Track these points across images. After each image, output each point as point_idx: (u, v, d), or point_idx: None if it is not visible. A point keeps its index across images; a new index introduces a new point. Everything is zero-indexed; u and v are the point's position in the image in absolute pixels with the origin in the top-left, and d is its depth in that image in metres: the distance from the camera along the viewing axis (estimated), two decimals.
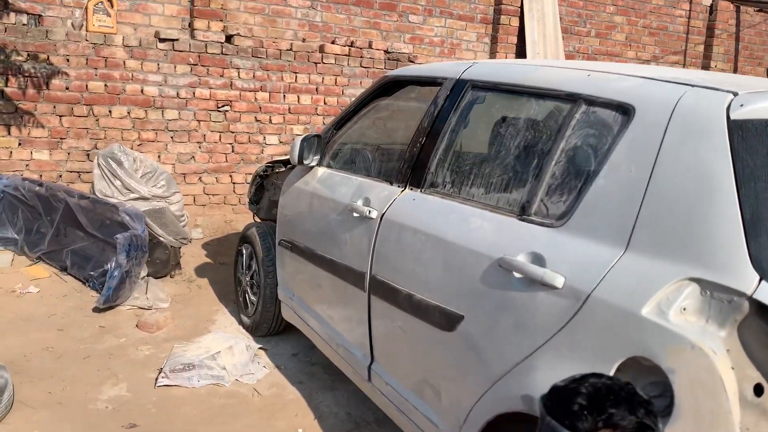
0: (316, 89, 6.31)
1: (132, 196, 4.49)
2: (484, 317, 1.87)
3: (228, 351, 3.51)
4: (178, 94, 5.65)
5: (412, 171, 2.42)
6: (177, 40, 5.56)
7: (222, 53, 5.77)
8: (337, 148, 3.15)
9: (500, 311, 1.82)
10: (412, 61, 6.78)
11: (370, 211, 2.48)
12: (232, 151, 6.01)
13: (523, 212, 1.90)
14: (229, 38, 5.82)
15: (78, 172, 5.41)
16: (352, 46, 6.44)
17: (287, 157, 3.90)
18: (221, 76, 5.81)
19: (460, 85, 2.36)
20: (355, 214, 2.60)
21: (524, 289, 1.75)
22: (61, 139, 5.31)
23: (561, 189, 1.82)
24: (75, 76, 5.26)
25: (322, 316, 2.98)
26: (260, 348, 3.67)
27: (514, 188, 2.00)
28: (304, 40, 6.32)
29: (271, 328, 3.74)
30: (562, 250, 1.72)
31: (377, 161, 2.91)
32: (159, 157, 5.68)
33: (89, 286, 4.37)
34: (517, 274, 1.78)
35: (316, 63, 6.26)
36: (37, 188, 4.67)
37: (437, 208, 2.21)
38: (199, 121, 5.79)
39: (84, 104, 5.32)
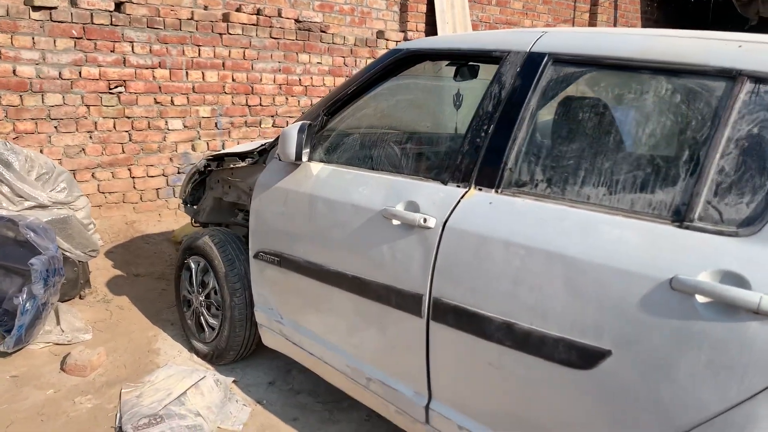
0: (223, 64, 5.53)
1: (27, 204, 3.58)
2: (649, 354, 1.49)
3: (195, 390, 2.87)
4: (60, 74, 4.64)
5: (478, 167, 1.96)
6: (55, 8, 4.53)
7: (111, 24, 4.82)
8: (337, 138, 2.60)
9: (679, 346, 1.45)
10: (324, 31, 6.19)
11: (425, 219, 1.99)
12: (130, 140, 5.10)
13: (680, 218, 1.53)
14: (118, 6, 4.86)
15: None
16: (259, 14, 5.70)
17: (240, 149, 3.26)
18: (112, 51, 4.87)
19: (533, 60, 1.93)
20: (395, 222, 2.10)
21: (721, 318, 1.39)
22: None
23: (738, 188, 1.48)
24: None
25: (337, 345, 2.45)
26: (220, 377, 3.05)
27: (657, 187, 1.62)
28: (206, 8, 5.49)
29: (239, 355, 3.12)
30: (761, 266, 1.38)
31: (410, 155, 2.39)
32: (41, 151, 4.66)
33: None
34: (702, 299, 1.42)
35: (221, 34, 5.46)
36: None
37: (536, 213, 1.77)
38: (88, 106, 4.82)
39: None
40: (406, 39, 7.03)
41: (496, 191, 1.90)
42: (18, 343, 3.06)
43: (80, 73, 4.74)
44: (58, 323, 3.45)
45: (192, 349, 3.34)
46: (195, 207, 3.63)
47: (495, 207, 1.87)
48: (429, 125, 2.59)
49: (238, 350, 3.09)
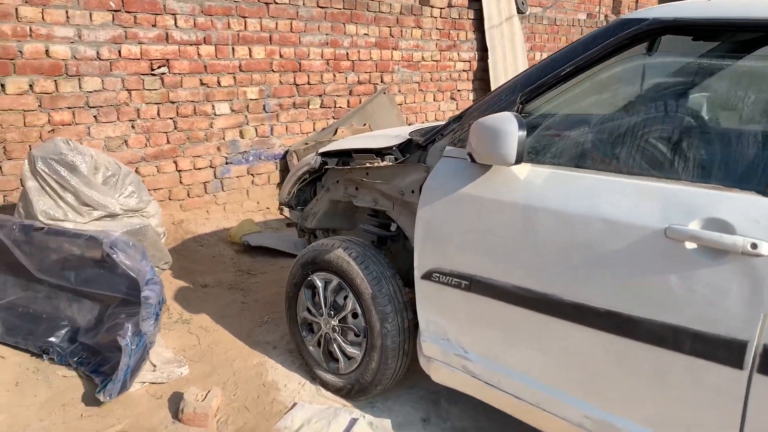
0: (270, 38, 4.90)
1: (96, 214, 2.98)
2: None
3: None
4: (98, 54, 3.98)
5: None
6: None
7: None
8: (548, 133, 2.08)
9: None
10: None
11: (754, 245, 1.52)
12: (175, 128, 4.47)
13: None
14: None
15: None
16: None
17: (369, 144, 2.72)
18: (153, 25, 4.20)
19: None
20: (689, 246, 1.62)
21: None
22: None
23: None
24: None
25: (567, 391, 1.97)
26: (375, 419, 2.57)
27: None
28: None
29: (385, 388, 2.63)
30: None
31: (693, 155, 1.89)
32: None
33: (50, 359, 2.85)
34: None
35: (267, 3, 4.82)
36: None
37: None
38: (129, 90, 4.17)
39: None
40: (450, 6, 6.45)
41: None
42: (122, 389, 2.50)
43: (120, 52, 4.08)
44: (148, 357, 2.89)
45: (316, 379, 2.83)
46: (301, 210, 3.07)
47: None
48: (711, 116, 2.08)
49: (386, 384, 2.60)
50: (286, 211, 3.07)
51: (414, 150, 2.53)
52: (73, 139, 3.98)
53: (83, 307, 2.87)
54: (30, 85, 3.72)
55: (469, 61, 6.82)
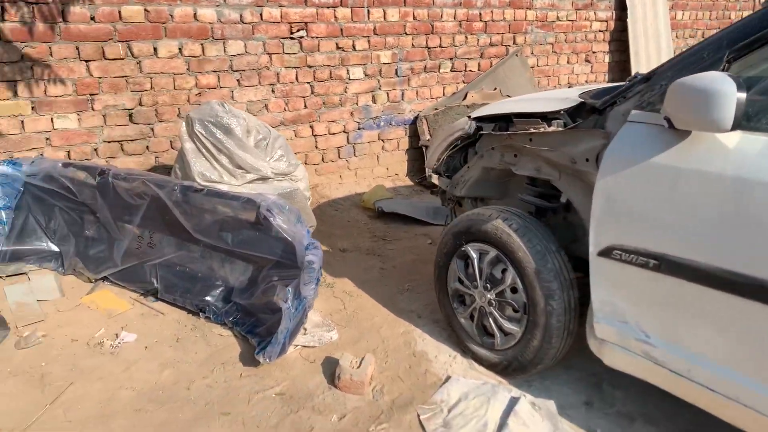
0: (404, 0, 4.77)
1: (249, 177, 3.01)
2: None
3: (515, 420, 2.27)
4: (241, 17, 4.01)
5: None
6: None
7: None
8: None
9: None
10: None
11: None
12: (312, 93, 4.47)
13: None
14: None
15: (120, 141, 3.79)
16: None
17: (531, 108, 2.54)
18: None
19: None
20: None
21: None
22: (91, 95, 3.64)
23: None
24: (102, 0, 3.55)
25: None
26: (537, 399, 2.45)
27: None
28: None
29: (545, 368, 2.51)
30: None
31: None
32: None
33: (206, 317, 2.94)
34: None
35: None
36: (95, 178, 3.09)
37: None
38: (269, 54, 4.20)
39: (118, 41, 3.64)
40: None
41: None
42: (281, 352, 2.52)
43: (261, 15, 4.09)
44: (305, 321, 2.91)
45: (467, 353, 2.74)
46: (450, 177, 2.96)
47: None
48: None
49: (547, 364, 2.47)
50: (435, 178, 2.96)
51: (586, 114, 2.33)
52: None
53: (236, 267, 2.92)
54: (179, 49, 3.81)
55: (606, 21, 6.38)
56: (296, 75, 4.34)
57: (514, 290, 2.50)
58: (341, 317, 3.08)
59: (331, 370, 2.58)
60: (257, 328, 2.78)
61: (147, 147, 3.86)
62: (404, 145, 5.10)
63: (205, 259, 2.99)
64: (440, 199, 3.35)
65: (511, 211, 2.54)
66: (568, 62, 6.14)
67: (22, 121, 3.46)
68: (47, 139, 3.55)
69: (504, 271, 2.52)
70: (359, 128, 4.78)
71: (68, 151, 3.62)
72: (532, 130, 2.46)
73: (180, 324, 2.95)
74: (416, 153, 5.17)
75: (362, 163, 4.89)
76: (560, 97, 2.57)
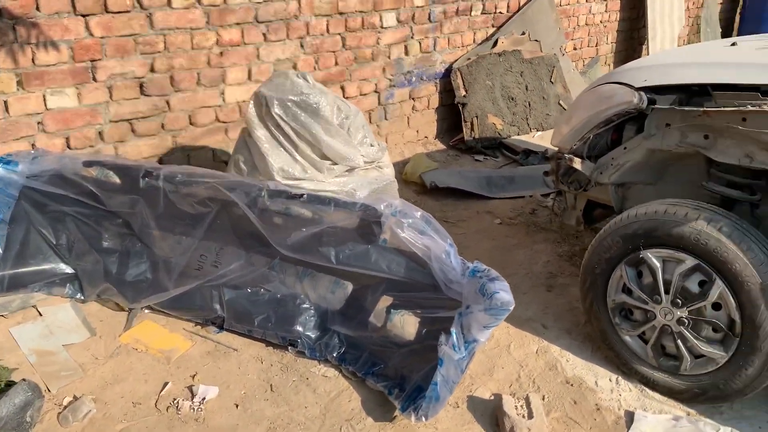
0: None
1: (338, 170, 2.35)
2: None
3: None
4: None
5: None
6: None
7: None
8: None
9: None
10: None
11: None
12: (343, 47, 3.74)
13: None
14: None
15: (129, 120, 2.97)
16: None
17: (717, 76, 2.01)
18: None
19: None
20: None
21: None
22: (92, 62, 2.79)
23: None
24: None
25: None
26: None
27: None
28: None
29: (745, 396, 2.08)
30: None
31: None
32: (249, 71, 3.32)
33: (298, 352, 2.31)
34: None
35: None
36: (139, 181, 2.34)
37: None
38: (298, 1, 3.42)
39: None
40: None
41: None
42: (440, 409, 1.96)
43: None
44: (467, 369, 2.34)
45: (632, 375, 2.27)
46: (594, 163, 2.41)
47: None
48: None
49: (754, 393, 2.04)
50: (576, 162, 2.40)
51: None
52: (242, 64, 3.29)
53: (337, 288, 2.30)
54: None
55: None
56: (327, 25, 3.58)
57: (716, 306, 2.03)
58: None
59: (491, 419, 2.06)
60: (375, 367, 2.20)
61: (162, 125, 3.06)
62: (434, 102, 4.48)
63: (289, 277, 2.34)
64: (552, 183, 2.80)
65: (712, 209, 2.03)
66: (586, 0, 5.61)
67: (5, 102, 2.60)
68: (39, 123, 2.71)
69: (702, 283, 2.04)
70: (391, 86, 4.10)
71: (66, 138, 2.79)
72: (750, 109, 1.94)
73: (264, 363, 2.31)
74: (446, 111, 4.56)
75: (393, 127, 4.24)
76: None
